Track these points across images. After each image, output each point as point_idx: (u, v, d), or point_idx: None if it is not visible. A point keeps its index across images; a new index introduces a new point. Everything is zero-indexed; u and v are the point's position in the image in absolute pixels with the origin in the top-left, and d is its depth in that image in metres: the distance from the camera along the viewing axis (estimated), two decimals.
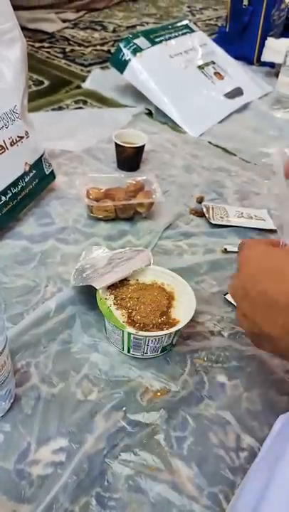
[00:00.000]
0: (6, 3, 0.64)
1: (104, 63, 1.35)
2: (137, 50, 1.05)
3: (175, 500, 0.41)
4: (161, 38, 1.12)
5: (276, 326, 0.35)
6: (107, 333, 0.54)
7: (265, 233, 0.74)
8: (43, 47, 1.47)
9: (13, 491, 0.40)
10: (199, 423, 0.47)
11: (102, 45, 1.52)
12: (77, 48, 1.48)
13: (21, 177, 0.69)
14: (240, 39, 1.36)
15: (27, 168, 0.70)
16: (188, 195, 0.82)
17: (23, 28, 0.68)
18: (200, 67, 1.15)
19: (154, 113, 1.07)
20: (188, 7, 2.08)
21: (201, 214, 0.77)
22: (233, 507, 0.36)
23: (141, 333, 0.49)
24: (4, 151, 0.64)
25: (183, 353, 0.53)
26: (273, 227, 0.74)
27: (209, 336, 0.56)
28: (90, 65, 1.35)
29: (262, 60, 1.32)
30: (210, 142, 1.00)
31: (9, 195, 0.67)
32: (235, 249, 0.69)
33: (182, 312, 0.52)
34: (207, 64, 1.17)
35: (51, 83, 1.22)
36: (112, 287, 0.54)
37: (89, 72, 1.28)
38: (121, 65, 1.06)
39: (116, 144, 0.84)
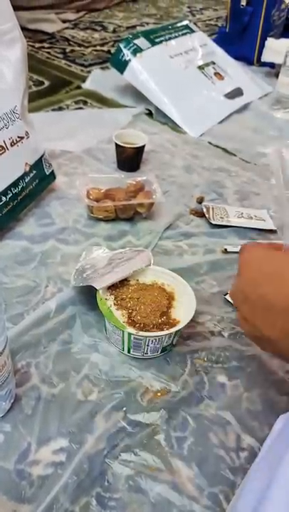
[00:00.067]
0: (6, 4, 0.64)
1: (104, 63, 1.35)
2: (137, 50, 1.05)
3: (175, 500, 0.41)
4: (162, 39, 1.12)
5: (275, 329, 0.36)
6: (107, 334, 0.54)
7: (265, 233, 0.74)
8: (43, 47, 1.47)
9: (14, 491, 0.40)
10: (199, 423, 0.47)
11: (102, 45, 1.52)
12: (78, 48, 1.48)
13: (21, 177, 0.69)
14: (240, 39, 1.36)
15: (27, 169, 0.70)
16: (188, 196, 0.82)
17: (24, 29, 0.68)
18: (200, 68, 1.15)
19: (154, 113, 1.07)
20: (189, 7, 2.08)
21: (201, 214, 0.77)
22: (234, 507, 0.36)
23: (141, 333, 0.49)
24: (4, 151, 0.64)
25: (183, 354, 0.53)
26: (273, 228, 0.74)
27: (209, 336, 0.56)
28: (90, 65, 1.35)
29: (262, 60, 1.32)
30: (210, 142, 1.00)
31: (9, 196, 0.67)
32: (236, 250, 0.69)
33: (182, 312, 0.52)
34: (207, 64, 1.17)
35: (51, 83, 1.22)
36: (112, 287, 0.54)
37: (89, 72, 1.28)
38: (121, 66, 1.06)
39: (116, 144, 0.84)
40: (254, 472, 0.36)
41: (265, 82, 1.27)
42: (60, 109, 1.10)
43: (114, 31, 1.68)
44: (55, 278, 0.62)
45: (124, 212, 0.73)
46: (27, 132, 0.69)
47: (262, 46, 1.29)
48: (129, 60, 1.05)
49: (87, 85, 1.21)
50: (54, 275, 0.63)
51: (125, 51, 1.05)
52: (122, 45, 1.06)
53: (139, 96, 1.08)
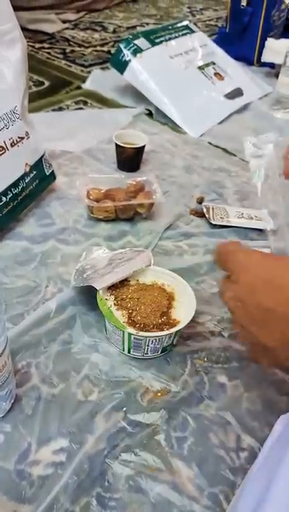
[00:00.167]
0: (7, 4, 0.64)
1: (104, 64, 1.35)
2: (137, 50, 1.05)
3: (175, 500, 0.41)
4: (162, 39, 1.12)
5: (273, 337, 0.35)
6: (107, 334, 0.54)
7: (266, 234, 0.74)
8: (44, 47, 1.47)
9: (14, 491, 0.40)
10: (199, 423, 0.47)
11: (102, 45, 1.52)
12: (78, 48, 1.48)
13: (22, 178, 0.69)
14: (240, 40, 1.36)
15: (27, 169, 0.70)
16: (188, 196, 0.82)
17: (24, 29, 0.68)
18: (200, 68, 1.15)
19: (154, 114, 1.07)
20: (189, 8, 2.08)
21: (201, 214, 0.77)
22: (234, 507, 0.36)
23: (141, 333, 0.49)
24: (4, 151, 0.64)
25: (183, 354, 0.53)
26: (274, 228, 0.74)
27: (209, 337, 0.56)
28: (90, 65, 1.35)
29: (262, 60, 1.32)
30: (210, 143, 1.00)
31: (10, 196, 0.67)
32: None
33: (182, 312, 0.52)
34: (207, 64, 1.17)
35: (51, 84, 1.22)
36: (112, 288, 0.54)
37: (89, 72, 1.28)
38: (121, 66, 1.06)
39: (116, 144, 0.84)
40: (254, 473, 0.36)
41: (265, 83, 1.27)
42: (60, 109, 1.10)
43: (114, 31, 1.68)
44: (55, 278, 0.62)
45: (125, 213, 0.73)
46: (27, 132, 0.69)
47: (262, 46, 1.29)
48: (129, 60, 1.05)
49: (87, 85, 1.21)
50: (54, 275, 0.63)
51: (125, 51, 1.05)
52: (122, 46, 1.06)
53: (139, 96, 1.08)
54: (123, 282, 0.55)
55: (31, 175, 0.71)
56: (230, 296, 0.40)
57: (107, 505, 0.40)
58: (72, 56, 1.42)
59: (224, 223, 0.74)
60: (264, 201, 0.64)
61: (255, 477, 0.35)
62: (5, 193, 0.66)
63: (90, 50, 1.48)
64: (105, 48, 1.50)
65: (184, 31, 1.19)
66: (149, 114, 1.08)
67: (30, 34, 1.53)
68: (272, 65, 1.34)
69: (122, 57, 1.05)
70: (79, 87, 1.21)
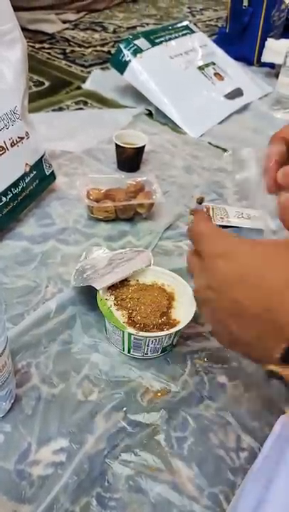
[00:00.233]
0: (7, 4, 0.64)
1: (104, 64, 1.35)
2: (137, 50, 1.05)
3: (175, 500, 0.41)
4: (162, 39, 1.12)
5: (248, 334, 0.33)
6: (107, 334, 0.54)
7: (266, 234, 0.74)
8: (44, 48, 1.47)
9: (14, 491, 0.40)
10: (199, 423, 0.47)
11: (102, 45, 1.52)
12: (78, 48, 1.49)
13: (22, 178, 0.69)
14: (240, 40, 1.36)
15: (27, 169, 0.70)
16: (188, 196, 0.82)
17: (24, 29, 0.68)
18: (200, 68, 1.15)
19: (154, 114, 1.07)
20: (189, 8, 2.08)
21: None
22: (234, 507, 0.36)
23: (141, 333, 0.49)
24: (4, 151, 0.64)
25: (183, 354, 0.53)
26: (274, 228, 0.74)
27: (209, 337, 0.56)
28: (91, 65, 1.35)
29: (262, 60, 1.32)
30: (210, 143, 1.00)
31: (10, 196, 0.67)
32: None
33: (182, 313, 0.52)
34: (207, 65, 1.17)
35: (51, 84, 1.22)
36: (112, 288, 0.54)
37: (89, 73, 1.28)
38: (121, 66, 1.06)
39: (116, 144, 0.84)
40: (254, 473, 0.36)
41: (265, 83, 1.27)
42: (61, 109, 1.10)
43: (114, 32, 1.68)
44: (55, 278, 0.62)
45: (125, 213, 0.73)
46: (27, 132, 0.69)
47: (262, 47, 1.29)
48: (129, 60, 1.05)
49: (87, 86, 1.21)
50: (54, 275, 0.63)
51: (125, 52, 1.05)
52: (122, 46, 1.06)
53: (139, 96, 1.08)
54: (123, 282, 0.55)
55: (31, 175, 0.71)
56: (198, 288, 0.37)
57: (107, 505, 0.40)
58: (73, 56, 1.42)
59: (224, 223, 0.74)
60: (264, 201, 0.64)
61: (255, 477, 0.35)
62: (5, 193, 0.66)
63: (90, 50, 1.48)
64: (105, 48, 1.50)
65: (184, 31, 1.19)
66: (149, 115, 1.08)
67: (31, 34, 1.53)
68: (272, 65, 1.34)
69: (122, 57, 1.05)
70: (79, 88, 1.21)
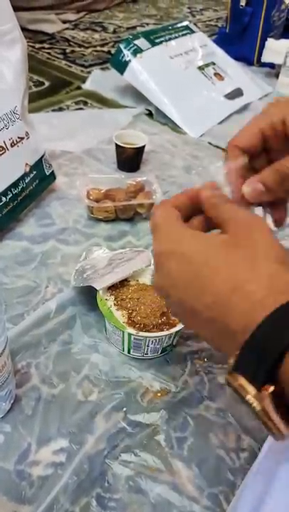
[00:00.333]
0: (7, 4, 0.64)
1: (104, 64, 1.35)
2: (137, 51, 1.05)
3: (175, 501, 0.41)
4: (162, 39, 1.12)
5: (201, 332, 0.32)
6: (107, 334, 0.54)
7: None
8: (44, 48, 1.47)
9: (14, 491, 0.40)
10: (199, 424, 0.46)
11: (102, 46, 1.52)
12: (78, 48, 1.48)
13: (22, 178, 0.69)
14: (240, 40, 1.36)
15: (27, 169, 0.70)
16: None
17: (24, 29, 0.68)
18: (200, 68, 1.15)
19: (155, 114, 1.07)
20: (189, 8, 2.08)
21: None
22: (234, 508, 0.36)
23: (141, 333, 0.49)
24: (4, 151, 0.64)
25: (183, 354, 0.53)
26: (274, 228, 0.74)
27: None
28: (91, 65, 1.35)
29: (262, 60, 1.32)
30: (210, 143, 1.00)
31: (10, 196, 0.67)
32: None
33: None
34: (207, 65, 1.17)
35: (51, 84, 1.22)
36: (112, 288, 0.54)
37: (89, 73, 1.28)
38: (121, 66, 1.06)
39: (116, 144, 0.84)
40: (254, 473, 0.36)
41: (265, 83, 1.27)
42: (61, 109, 1.10)
43: (114, 32, 1.68)
44: (55, 278, 0.62)
45: (125, 213, 0.73)
46: (27, 133, 0.69)
47: (262, 47, 1.29)
48: (129, 60, 1.05)
49: (87, 86, 1.21)
50: (54, 275, 0.63)
51: (125, 52, 1.05)
52: (122, 46, 1.06)
53: (139, 96, 1.08)
54: (123, 282, 0.55)
55: (31, 175, 0.71)
56: (154, 283, 0.35)
57: (107, 506, 0.40)
58: (73, 56, 1.42)
59: None
60: None
61: (255, 477, 0.35)
62: (5, 193, 0.66)
63: (90, 50, 1.48)
64: (105, 48, 1.50)
65: (184, 31, 1.19)
66: (149, 115, 1.08)
67: (31, 34, 1.53)
68: (272, 65, 1.34)
69: (122, 57, 1.05)
70: (79, 88, 1.21)
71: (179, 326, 0.50)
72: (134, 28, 1.74)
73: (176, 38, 1.15)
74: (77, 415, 0.46)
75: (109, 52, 1.46)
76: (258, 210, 0.40)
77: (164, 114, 1.04)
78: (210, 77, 1.15)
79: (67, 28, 1.66)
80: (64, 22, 1.69)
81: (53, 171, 0.78)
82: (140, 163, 0.88)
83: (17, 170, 0.68)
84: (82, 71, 1.31)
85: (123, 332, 0.49)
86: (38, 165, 0.73)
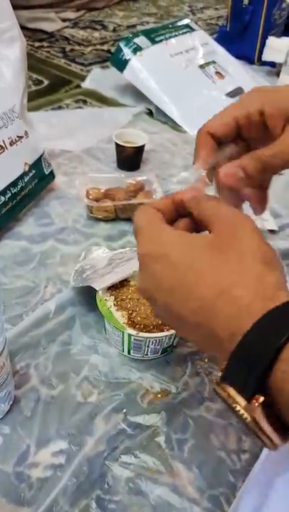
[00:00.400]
0: (6, 2, 0.63)
1: (104, 63, 1.34)
2: (137, 49, 1.05)
3: (176, 502, 0.40)
4: (162, 38, 1.12)
5: (189, 338, 0.32)
6: (107, 335, 0.54)
7: (267, 233, 0.73)
8: (43, 46, 1.46)
9: (13, 493, 0.40)
10: (200, 425, 0.46)
11: (102, 44, 1.52)
12: (77, 47, 1.48)
13: (21, 177, 0.68)
14: (241, 38, 1.35)
15: (26, 168, 0.69)
16: None
17: (23, 28, 0.68)
18: (201, 67, 1.15)
19: (155, 112, 1.07)
20: (189, 6, 2.07)
21: None
22: (235, 510, 0.36)
23: (141, 334, 0.48)
24: (3, 150, 0.64)
25: (183, 355, 0.53)
26: (275, 228, 0.74)
27: None
28: (90, 64, 1.34)
29: (263, 59, 1.31)
30: None
31: (8, 195, 0.66)
32: None
33: None
34: (208, 63, 1.17)
35: (51, 82, 1.22)
36: (112, 288, 0.54)
37: (89, 71, 1.27)
38: (121, 65, 1.06)
39: (116, 143, 0.84)
40: (255, 475, 0.36)
41: (266, 81, 1.26)
42: (60, 108, 1.09)
43: (114, 30, 1.67)
44: (54, 278, 0.62)
45: (124, 212, 0.73)
46: (26, 131, 0.69)
47: (263, 45, 1.29)
48: (129, 58, 1.04)
49: (86, 84, 1.21)
50: (53, 276, 0.62)
51: (125, 50, 1.05)
52: (122, 44, 1.05)
53: (139, 95, 1.07)
54: (123, 283, 0.54)
55: (30, 174, 0.71)
56: (139, 286, 0.34)
57: (106, 508, 0.40)
58: (72, 55, 1.41)
59: None
60: None
61: (256, 479, 0.35)
62: (4, 192, 0.65)
63: (89, 48, 1.47)
64: (105, 47, 1.49)
65: (185, 30, 1.18)
66: (149, 113, 1.08)
67: (30, 33, 1.53)
68: (273, 64, 1.33)
69: (122, 55, 1.05)
70: (78, 86, 1.21)
71: None
72: (134, 26, 1.74)
73: (176, 36, 1.15)
74: (76, 417, 0.46)
75: (109, 50, 1.46)
76: (248, 211, 0.39)
77: (164, 113, 1.04)
78: (210, 75, 1.14)
79: (66, 27, 1.65)
80: (63, 20, 1.68)
81: (52, 170, 0.77)
82: (140, 162, 0.88)
83: (16, 169, 0.68)
84: (81, 70, 1.30)
85: (123, 333, 0.49)
86: (37, 164, 0.73)
